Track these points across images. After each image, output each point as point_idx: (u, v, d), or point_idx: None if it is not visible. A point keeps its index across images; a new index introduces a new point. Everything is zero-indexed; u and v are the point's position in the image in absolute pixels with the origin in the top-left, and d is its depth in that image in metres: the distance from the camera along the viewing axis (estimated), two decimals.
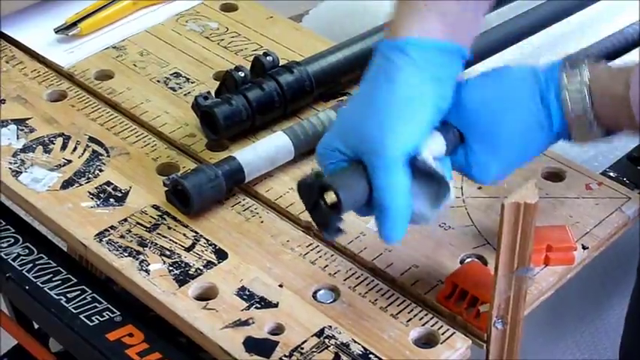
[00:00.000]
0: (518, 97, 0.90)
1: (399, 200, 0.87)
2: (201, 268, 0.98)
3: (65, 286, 1.01)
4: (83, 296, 1.00)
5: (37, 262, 1.04)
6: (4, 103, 1.19)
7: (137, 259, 0.99)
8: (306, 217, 1.03)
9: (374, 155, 0.87)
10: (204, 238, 1.01)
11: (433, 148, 0.89)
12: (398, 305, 0.95)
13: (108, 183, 1.07)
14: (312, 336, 0.92)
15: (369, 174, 0.87)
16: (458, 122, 0.90)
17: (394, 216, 0.87)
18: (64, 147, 1.12)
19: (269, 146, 1.08)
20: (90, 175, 1.08)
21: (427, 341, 0.92)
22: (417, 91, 0.88)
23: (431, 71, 0.89)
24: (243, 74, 1.13)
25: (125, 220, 1.03)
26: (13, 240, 1.06)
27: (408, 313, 0.94)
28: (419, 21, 0.91)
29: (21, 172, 1.09)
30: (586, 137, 0.90)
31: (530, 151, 0.92)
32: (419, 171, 0.88)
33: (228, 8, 1.36)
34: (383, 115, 0.87)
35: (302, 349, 0.91)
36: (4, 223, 1.09)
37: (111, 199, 1.05)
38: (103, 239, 1.01)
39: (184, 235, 1.02)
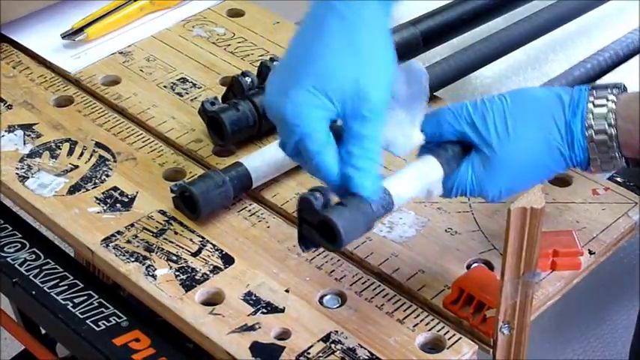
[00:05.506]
0: (542, 121, 0.90)
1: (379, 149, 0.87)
2: (208, 273, 0.98)
3: (72, 291, 1.01)
4: (90, 301, 1.00)
5: (43, 268, 1.04)
6: (10, 108, 1.19)
7: (144, 265, 0.99)
8: None
9: (368, 104, 0.86)
10: (211, 243, 1.01)
11: (431, 175, 0.90)
12: (404, 310, 0.95)
13: (114, 188, 1.08)
14: (318, 341, 0.92)
15: (355, 125, 0.86)
16: (479, 141, 0.90)
17: (375, 165, 0.87)
18: (70, 152, 1.12)
19: (276, 152, 1.08)
20: (96, 181, 1.09)
21: (433, 346, 0.92)
22: (383, 38, 0.89)
23: (382, 19, 0.89)
24: (249, 79, 1.13)
25: (132, 225, 1.03)
26: (19, 245, 1.07)
27: (415, 318, 0.94)
28: None
29: (28, 178, 1.09)
30: (605, 165, 0.91)
31: (544, 174, 0.92)
32: None
33: (235, 14, 1.36)
34: (372, 70, 0.87)
35: (308, 354, 0.91)
36: (10, 229, 1.09)
37: (117, 205, 1.06)
38: (110, 244, 1.01)
39: (191, 240, 1.02)
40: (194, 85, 1.22)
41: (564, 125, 0.90)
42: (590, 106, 0.90)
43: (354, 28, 0.87)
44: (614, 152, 0.90)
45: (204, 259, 1.00)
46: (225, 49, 1.29)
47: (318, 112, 0.86)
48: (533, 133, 0.90)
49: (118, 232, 1.02)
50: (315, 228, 0.86)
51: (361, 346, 0.91)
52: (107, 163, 1.11)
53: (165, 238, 1.02)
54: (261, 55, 1.27)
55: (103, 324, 0.98)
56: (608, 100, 0.89)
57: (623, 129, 0.89)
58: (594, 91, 0.90)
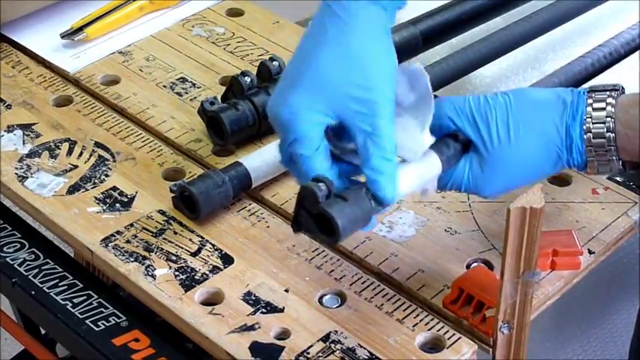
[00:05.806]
0: (543, 125, 0.90)
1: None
2: (207, 273, 0.98)
3: (71, 291, 1.01)
4: (89, 301, 1.00)
5: (43, 268, 1.04)
6: (10, 108, 1.19)
7: (143, 265, 0.99)
8: None
9: (376, 105, 0.86)
10: (210, 243, 1.01)
11: (430, 173, 0.90)
12: (404, 310, 0.95)
13: (114, 188, 1.08)
14: (317, 341, 0.92)
15: (366, 127, 0.86)
16: (479, 142, 0.90)
17: (389, 166, 0.87)
18: (70, 152, 1.12)
19: (275, 152, 1.07)
20: (96, 181, 1.09)
21: (433, 346, 0.92)
22: (381, 40, 0.89)
23: (381, 22, 0.89)
24: (249, 79, 1.13)
25: (131, 225, 1.03)
26: (19, 245, 1.07)
27: (414, 317, 0.94)
28: None
29: (27, 178, 1.09)
30: (602, 168, 0.91)
31: (540, 175, 0.92)
32: None
33: (235, 13, 1.36)
34: (369, 70, 0.87)
35: (308, 353, 0.91)
36: (10, 229, 1.09)
37: (117, 205, 1.06)
38: (109, 244, 1.01)
39: (190, 240, 1.02)
40: (193, 84, 1.22)
41: (564, 129, 0.90)
42: (589, 109, 0.90)
43: (350, 31, 0.88)
44: (612, 156, 0.90)
45: (203, 258, 1.00)
46: (224, 48, 1.29)
47: (313, 116, 0.87)
48: (533, 137, 0.90)
49: (118, 232, 1.02)
50: (313, 218, 0.86)
51: (361, 346, 0.91)
52: (106, 162, 1.11)
53: (164, 238, 1.02)
54: (260, 55, 1.27)
55: (103, 324, 0.98)
56: (607, 103, 0.90)
57: (621, 133, 0.89)
58: (593, 94, 0.90)
